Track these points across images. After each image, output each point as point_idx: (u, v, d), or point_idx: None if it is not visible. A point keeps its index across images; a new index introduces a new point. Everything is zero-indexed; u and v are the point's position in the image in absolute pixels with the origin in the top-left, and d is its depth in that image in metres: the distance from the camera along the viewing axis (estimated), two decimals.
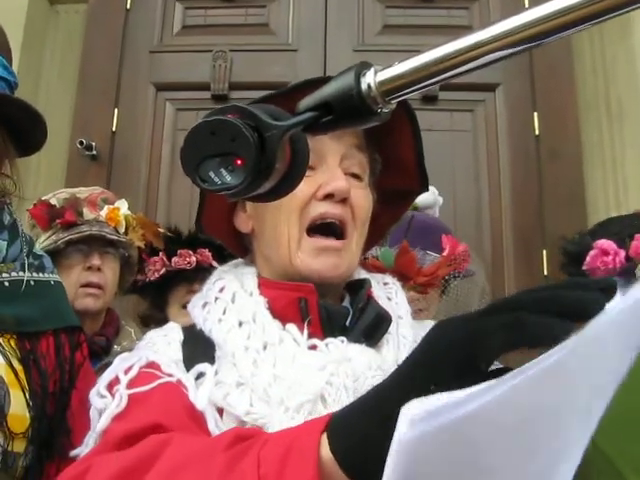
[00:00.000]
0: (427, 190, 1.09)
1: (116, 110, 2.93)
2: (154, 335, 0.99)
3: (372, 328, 0.93)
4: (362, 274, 1.05)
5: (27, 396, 1.01)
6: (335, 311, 0.94)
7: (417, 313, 1.11)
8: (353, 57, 2.84)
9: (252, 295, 0.95)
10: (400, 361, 0.86)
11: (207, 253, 1.94)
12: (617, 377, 0.53)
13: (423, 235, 1.62)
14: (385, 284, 1.07)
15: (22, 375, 1.02)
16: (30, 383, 1.02)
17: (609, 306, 0.51)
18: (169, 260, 1.97)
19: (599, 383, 0.53)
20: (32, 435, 0.99)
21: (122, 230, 1.90)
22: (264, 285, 0.97)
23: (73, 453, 0.86)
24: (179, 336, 0.97)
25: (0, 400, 0.97)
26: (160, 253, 1.99)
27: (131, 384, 0.85)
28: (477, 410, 0.47)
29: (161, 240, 2.01)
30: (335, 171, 0.95)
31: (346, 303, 1.00)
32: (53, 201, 1.88)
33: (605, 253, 1.74)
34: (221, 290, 0.98)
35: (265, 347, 0.88)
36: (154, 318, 1.98)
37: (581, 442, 0.55)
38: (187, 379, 0.86)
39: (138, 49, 3.01)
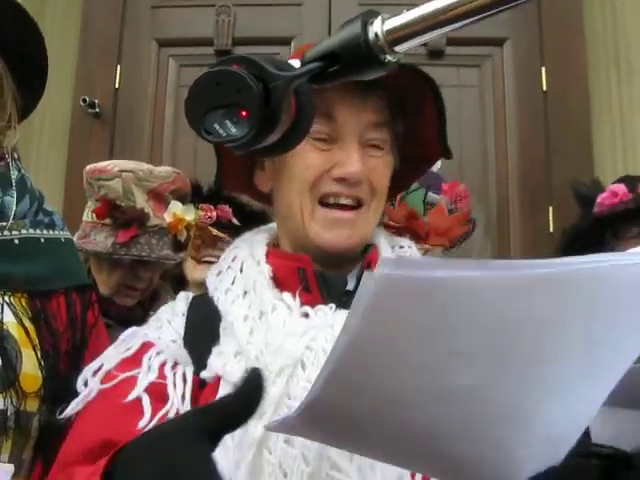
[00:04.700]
0: (451, 157, 1.07)
1: (119, 67, 2.89)
2: (163, 309, 1.03)
3: None
4: (380, 237, 1.06)
5: (39, 355, 1.01)
6: (332, 280, 0.96)
7: None
8: (358, 10, 2.74)
9: (259, 264, 0.97)
10: None
11: (227, 209, 1.87)
12: None
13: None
14: (401, 247, 1.07)
15: (33, 334, 1.02)
16: (42, 342, 1.02)
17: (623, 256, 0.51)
18: None
19: (620, 325, 0.53)
20: (45, 394, 1.00)
21: (182, 238, 1.81)
22: (272, 254, 1.00)
23: (60, 416, 0.90)
24: (183, 309, 1.00)
25: (12, 360, 0.97)
26: None
27: (105, 378, 0.89)
28: (459, 279, 0.46)
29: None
30: (351, 152, 0.95)
31: (359, 266, 1.01)
32: (117, 185, 1.74)
33: (614, 195, 1.76)
34: (233, 259, 1.01)
35: (261, 315, 0.91)
36: (170, 273, 1.96)
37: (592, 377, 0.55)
38: (146, 373, 0.88)
39: (140, 5, 2.96)
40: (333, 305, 0.90)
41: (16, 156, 1.10)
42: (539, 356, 0.52)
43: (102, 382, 0.89)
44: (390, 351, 0.50)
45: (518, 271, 0.46)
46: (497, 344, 0.50)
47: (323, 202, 0.96)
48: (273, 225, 1.10)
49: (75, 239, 1.73)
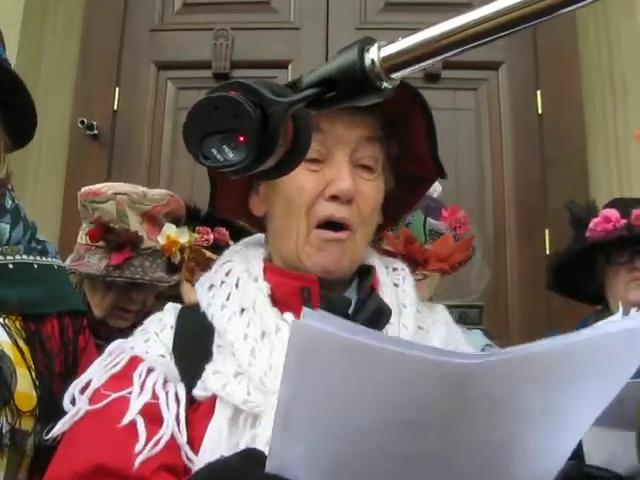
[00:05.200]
0: (445, 177, 1.08)
1: (117, 89, 2.91)
2: (150, 320, 1.02)
3: (372, 320, 0.94)
4: (374, 258, 1.06)
5: (33, 375, 1.01)
6: (336, 301, 0.95)
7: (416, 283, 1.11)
8: (355, 35, 2.81)
9: (257, 280, 0.96)
10: None
11: (225, 232, 1.86)
12: (605, 396, 0.55)
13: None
14: (394, 270, 1.07)
15: (28, 355, 1.02)
16: (36, 363, 1.03)
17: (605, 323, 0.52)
18: None
19: (581, 393, 0.54)
20: (40, 414, 1.00)
21: (176, 260, 1.78)
22: (269, 270, 0.98)
23: (47, 436, 0.88)
24: (171, 321, 0.99)
25: (7, 378, 0.97)
26: None
27: (94, 397, 0.87)
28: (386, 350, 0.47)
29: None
30: (342, 168, 0.95)
31: (353, 288, 1.01)
32: (111, 207, 1.73)
33: (607, 221, 1.76)
34: (227, 274, 0.99)
35: (263, 336, 0.90)
36: (165, 295, 1.95)
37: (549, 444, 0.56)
38: (135, 393, 0.86)
39: (139, 28, 2.99)
40: None
41: (10, 187, 1.12)
42: (492, 423, 0.53)
43: (91, 401, 0.86)
44: (329, 402, 0.54)
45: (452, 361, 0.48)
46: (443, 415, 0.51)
47: (318, 225, 0.96)
48: (261, 236, 1.09)
49: (69, 261, 1.74)
